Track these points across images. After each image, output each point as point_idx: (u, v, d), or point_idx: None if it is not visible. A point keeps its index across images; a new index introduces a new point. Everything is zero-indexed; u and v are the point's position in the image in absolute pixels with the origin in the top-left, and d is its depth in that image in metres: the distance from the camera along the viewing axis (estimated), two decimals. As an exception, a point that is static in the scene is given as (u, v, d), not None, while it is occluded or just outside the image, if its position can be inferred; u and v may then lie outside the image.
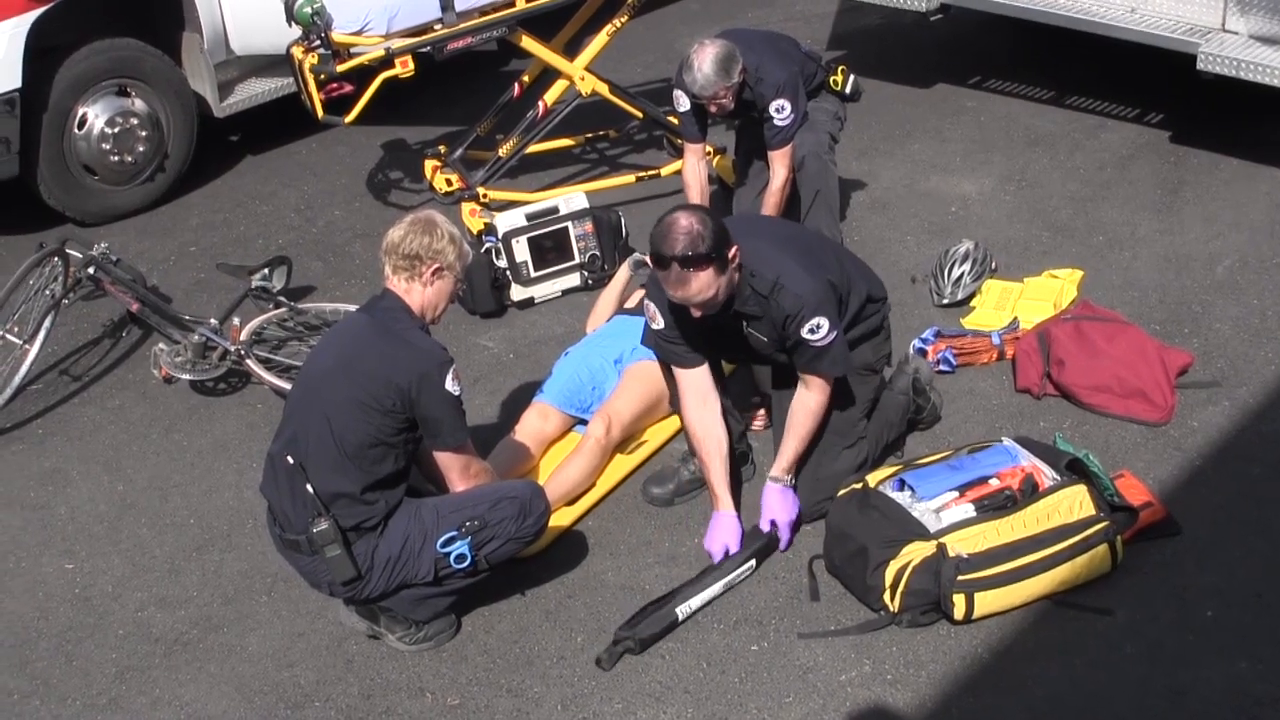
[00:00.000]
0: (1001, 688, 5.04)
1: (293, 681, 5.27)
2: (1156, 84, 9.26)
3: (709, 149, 7.89)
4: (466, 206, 7.96)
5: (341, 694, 5.19)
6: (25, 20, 7.81)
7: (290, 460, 5.06)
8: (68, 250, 6.94)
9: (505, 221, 7.49)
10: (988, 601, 5.22)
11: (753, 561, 5.60)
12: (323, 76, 7.60)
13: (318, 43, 7.52)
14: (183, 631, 5.54)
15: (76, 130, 8.28)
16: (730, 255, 5.29)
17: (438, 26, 7.76)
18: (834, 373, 5.62)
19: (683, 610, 5.38)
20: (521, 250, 7.44)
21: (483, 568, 5.22)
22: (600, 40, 8.22)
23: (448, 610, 5.35)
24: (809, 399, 5.66)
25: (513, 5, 7.85)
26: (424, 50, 7.67)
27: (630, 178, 8.43)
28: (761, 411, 6.41)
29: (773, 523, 5.71)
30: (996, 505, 5.35)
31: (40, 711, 5.21)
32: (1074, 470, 5.51)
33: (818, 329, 5.43)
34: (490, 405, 6.72)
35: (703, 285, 5.25)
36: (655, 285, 5.49)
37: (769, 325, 5.53)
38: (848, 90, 7.50)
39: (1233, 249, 7.61)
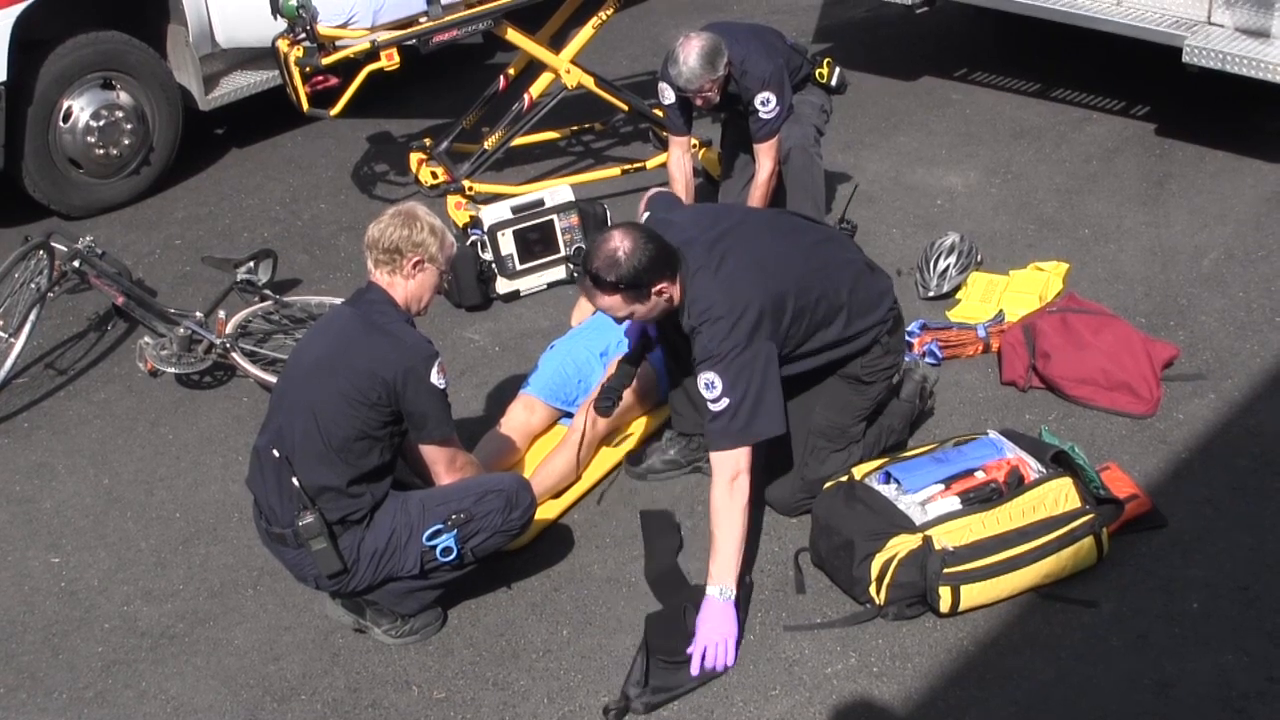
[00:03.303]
0: (987, 680, 5.04)
1: (279, 674, 5.27)
2: (1142, 77, 9.28)
3: (694, 142, 7.89)
4: (452, 199, 7.96)
5: (328, 687, 5.19)
6: (10, 14, 7.79)
7: (276, 453, 5.05)
8: (53, 243, 6.93)
9: (490, 214, 7.48)
10: (973, 594, 5.22)
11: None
12: (308, 69, 7.61)
13: (303, 35, 7.53)
14: (169, 625, 5.53)
15: (61, 123, 8.26)
16: (655, 289, 5.25)
17: (423, 19, 7.76)
18: (722, 445, 5.24)
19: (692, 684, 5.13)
20: (507, 243, 7.44)
21: (469, 561, 5.22)
22: (586, 33, 8.22)
23: (434, 603, 5.35)
24: (715, 485, 5.26)
25: (498, -2, 7.86)
26: (409, 43, 7.66)
27: (616, 170, 8.43)
28: None
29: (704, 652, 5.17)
30: (982, 498, 5.36)
31: (27, 705, 5.20)
32: (1059, 463, 5.52)
33: (711, 386, 5.24)
34: (476, 398, 6.72)
35: (608, 306, 5.33)
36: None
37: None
38: (833, 83, 7.50)
39: (1218, 242, 7.62)
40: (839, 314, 5.56)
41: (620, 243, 5.20)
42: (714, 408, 5.23)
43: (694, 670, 5.09)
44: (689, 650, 5.14)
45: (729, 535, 5.21)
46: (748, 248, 5.48)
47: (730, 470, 5.22)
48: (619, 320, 5.46)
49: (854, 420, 5.86)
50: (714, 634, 5.15)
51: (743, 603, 5.32)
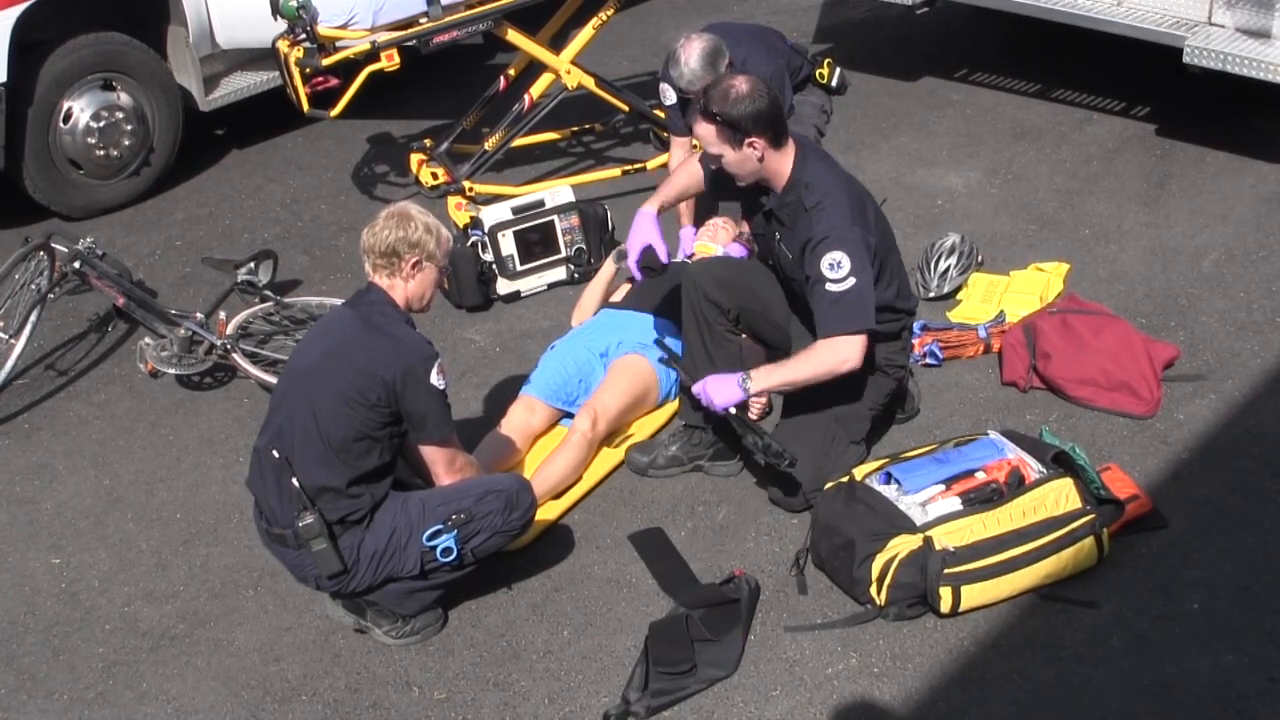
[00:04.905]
0: (987, 681, 5.04)
1: (279, 675, 5.27)
2: (1143, 78, 9.28)
3: (695, 143, 7.88)
4: (452, 200, 7.97)
5: (328, 688, 5.19)
6: (10, 15, 7.79)
7: (276, 454, 5.06)
8: (53, 245, 6.93)
9: (491, 215, 7.48)
10: (974, 594, 5.22)
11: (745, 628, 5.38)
12: (308, 70, 7.62)
13: (303, 36, 7.54)
14: (170, 626, 5.53)
15: (62, 124, 8.26)
16: (749, 141, 5.49)
17: (423, 20, 7.77)
18: (848, 327, 5.48)
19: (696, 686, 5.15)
20: (507, 244, 7.44)
21: (469, 561, 5.22)
22: (586, 34, 8.23)
23: (434, 604, 5.35)
24: (829, 351, 5.54)
25: (498, -1, 7.86)
26: (409, 44, 7.67)
27: (616, 171, 8.43)
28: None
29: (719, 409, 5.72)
30: (983, 498, 5.36)
31: (28, 706, 5.20)
32: (1060, 463, 5.52)
33: (837, 266, 5.43)
34: (476, 399, 6.72)
35: (704, 135, 5.58)
36: None
37: (797, 244, 5.60)
38: (834, 83, 7.49)
39: (1219, 242, 7.62)
40: (894, 278, 5.81)
41: (740, 85, 5.51)
42: (836, 288, 5.46)
43: (696, 386, 5.71)
44: (692, 386, 5.76)
45: (797, 368, 5.65)
46: (842, 175, 5.81)
47: (841, 357, 5.53)
48: (711, 157, 5.66)
49: (868, 411, 5.94)
50: (713, 390, 5.65)
51: (747, 605, 5.34)
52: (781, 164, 5.60)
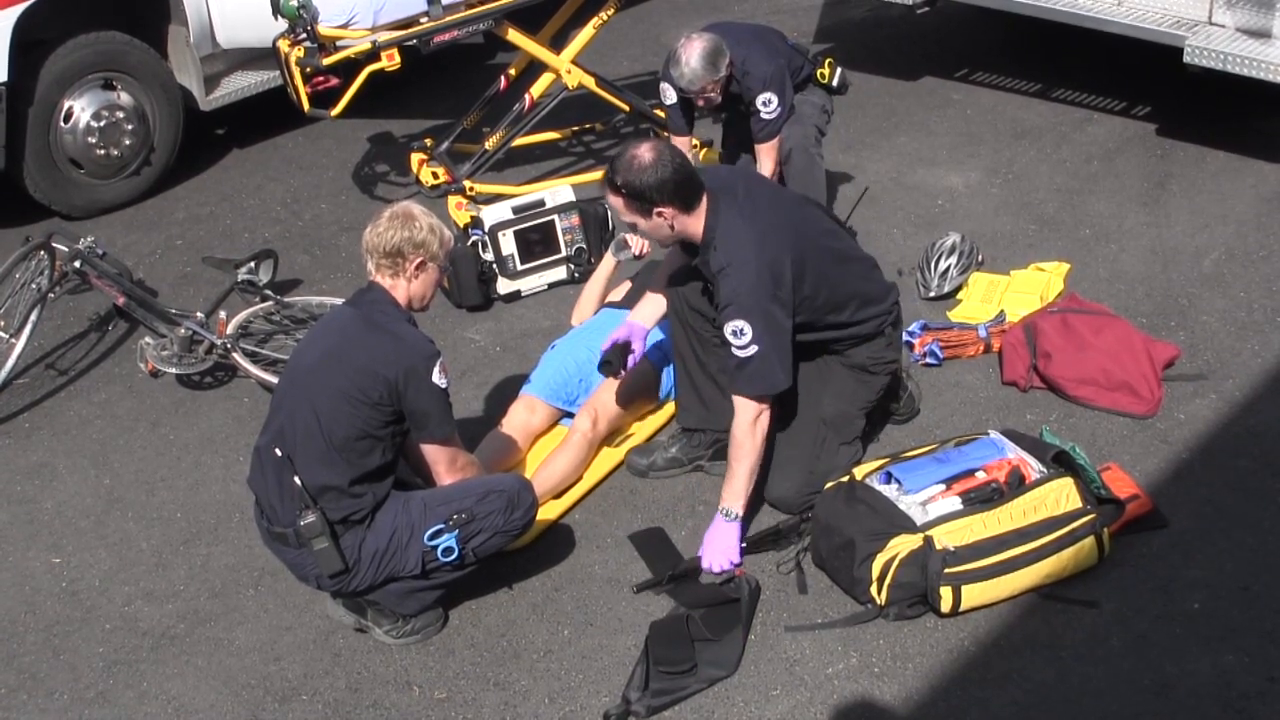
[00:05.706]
0: (988, 680, 5.04)
1: (280, 675, 5.26)
2: (1143, 77, 9.28)
3: (695, 142, 7.90)
4: (453, 200, 7.98)
5: (328, 687, 5.19)
6: (11, 14, 7.79)
7: (277, 453, 5.05)
8: (54, 244, 6.92)
9: (491, 215, 7.48)
10: (974, 594, 5.22)
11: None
12: (309, 70, 7.61)
13: (304, 36, 7.54)
14: (170, 625, 5.53)
15: (62, 124, 8.26)
16: (658, 210, 5.44)
17: (424, 19, 7.77)
18: (749, 391, 5.46)
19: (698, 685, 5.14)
20: (508, 243, 7.44)
21: (470, 561, 5.22)
22: (587, 33, 8.23)
23: (435, 604, 5.34)
24: (737, 423, 5.51)
25: (499, -2, 7.86)
26: (410, 43, 7.67)
27: (617, 171, 8.42)
28: None
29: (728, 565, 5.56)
30: (983, 498, 5.36)
31: (28, 705, 5.20)
32: (1060, 463, 5.52)
33: (740, 334, 5.38)
34: (477, 399, 6.72)
35: (614, 207, 5.58)
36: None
37: (716, 300, 5.58)
38: (835, 83, 7.50)
39: (1219, 242, 7.62)
40: (850, 300, 5.73)
41: (644, 154, 5.43)
42: (742, 354, 5.42)
43: (704, 563, 5.52)
44: (700, 564, 5.54)
45: (745, 467, 5.51)
46: (780, 209, 5.68)
47: (754, 412, 5.47)
48: (626, 224, 5.64)
49: (859, 411, 5.93)
50: (716, 550, 5.53)
51: (748, 605, 5.34)
52: (695, 225, 5.53)
